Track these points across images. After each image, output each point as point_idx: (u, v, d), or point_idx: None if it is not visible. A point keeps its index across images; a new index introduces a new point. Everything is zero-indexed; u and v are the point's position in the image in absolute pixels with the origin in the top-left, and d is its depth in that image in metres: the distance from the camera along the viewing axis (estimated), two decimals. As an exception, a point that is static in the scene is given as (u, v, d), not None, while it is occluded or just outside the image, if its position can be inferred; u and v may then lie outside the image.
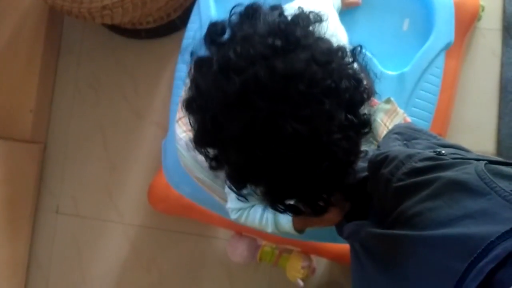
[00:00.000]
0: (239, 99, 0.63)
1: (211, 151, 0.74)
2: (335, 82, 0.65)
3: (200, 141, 0.73)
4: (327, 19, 0.73)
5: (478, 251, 0.45)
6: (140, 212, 1.82)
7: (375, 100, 1.07)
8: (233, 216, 1.07)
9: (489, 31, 1.67)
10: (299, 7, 0.73)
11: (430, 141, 0.76)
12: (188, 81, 0.74)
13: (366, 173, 0.76)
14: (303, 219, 0.96)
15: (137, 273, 1.83)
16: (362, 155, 0.73)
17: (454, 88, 1.42)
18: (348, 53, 0.72)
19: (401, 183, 0.63)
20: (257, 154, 0.65)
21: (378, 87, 0.91)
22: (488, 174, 0.54)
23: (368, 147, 0.77)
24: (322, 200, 0.75)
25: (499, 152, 1.62)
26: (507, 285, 0.42)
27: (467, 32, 1.42)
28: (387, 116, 1.05)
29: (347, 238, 0.75)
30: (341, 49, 0.71)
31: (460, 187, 0.55)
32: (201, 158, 0.78)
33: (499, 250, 0.44)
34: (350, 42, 1.08)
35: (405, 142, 0.78)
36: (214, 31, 0.71)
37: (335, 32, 0.75)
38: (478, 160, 0.59)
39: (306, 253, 1.55)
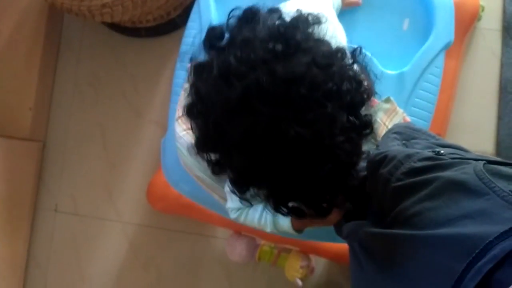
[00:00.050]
0: (241, 104, 0.63)
1: (213, 156, 0.74)
2: (337, 85, 0.65)
3: (203, 146, 0.73)
4: (326, 21, 0.73)
5: (477, 251, 0.45)
6: (139, 211, 1.82)
7: (374, 99, 1.07)
8: (233, 215, 1.07)
9: (489, 31, 1.66)
10: (297, 10, 0.73)
11: (429, 141, 0.76)
12: (187, 86, 0.74)
13: (365, 173, 0.76)
14: (302, 218, 0.96)
15: (135, 272, 1.83)
16: (364, 156, 0.73)
17: (454, 88, 1.42)
18: (348, 55, 0.72)
19: (400, 183, 0.63)
20: (260, 158, 0.65)
21: (378, 86, 0.91)
22: (487, 174, 0.54)
23: (367, 147, 0.77)
24: (325, 202, 0.75)
25: (498, 152, 1.62)
26: (505, 285, 0.42)
27: (467, 32, 1.42)
28: (386, 116, 1.05)
29: (346, 238, 0.75)
30: (340, 50, 0.70)
31: (459, 187, 0.55)
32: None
33: (498, 250, 0.44)
34: (350, 41, 1.08)
35: (404, 141, 0.77)
36: (213, 36, 0.71)
37: (334, 33, 0.75)
38: (477, 160, 0.59)
39: (305, 252, 1.55)
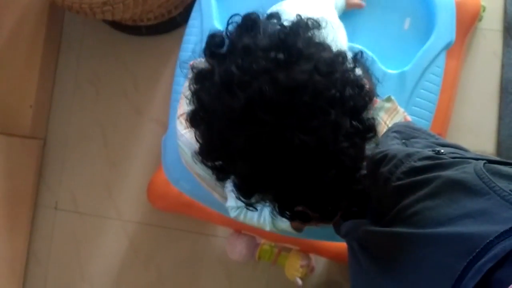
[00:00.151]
0: (245, 114, 0.63)
1: (217, 163, 0.74)
2: (339, 91, 0.65)
3: (207, 154, 0.73)
4: (326, 25, 0.73)
5: (477, 250, 0.45)
6: (139, 209, 1.82)
7: (375, 99, 1.07)
8: (232, 214, 1.07)
9: (490, 31, 1.66)
10: (297, 14, 0.73)
11: (429, 140, 0.76)
12: (187, 94, 0.73)
13: (364, 171, 0.76)
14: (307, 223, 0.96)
15: (135, 270, 1.83)
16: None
17: (455, 88, 1.42)
18: (349, 58, 0.72)
19: (400, 182, 0.63)
20: (265, 166, 0.65)
21: (379, 86, 0.91)
22: (487, 174, 0.54)
23: (367, 146, 0.77)
24: (331, 206, 0.75)
25: (499, 153, 1.62)
26: (506, 284, 0.42)
27: (468, 32, 1.42)
28: (387, 115, 1.05)
29: (345, 237, 0.75)
30: (341, 54, 0.70)
31: (459, 187, 0.54)
32: None
33: (498, 249, 0.44)
34: (351, 40, 1.09)
35: (403, 140, 0.77)
36: (213, 43, 0.71)
37: (335, 37, 0.75)
38: (477, 159, 0.59)
39: (305, 251, 1.55)
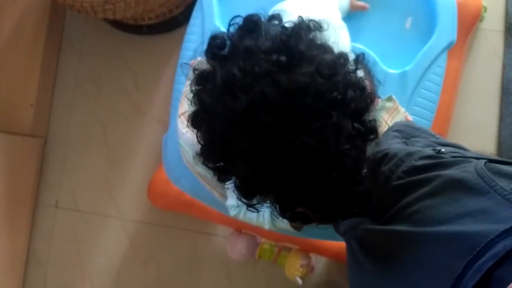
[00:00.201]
0: (247, 116, 0.63)
1: (218, 164, 0.74)
2: (341, 94, 0.65)
3: (208, 156, 0.73)
4: (328, 27, 0.73)
5: (478, 249, 0.45)
6: (139, 208, 1.82)
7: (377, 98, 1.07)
8: (232, 212, 1.08)
9: (491, 32, 1.66)
10: (299, 16, 0.73)
11: (429, 140, 0.76)
12: (188, 93, 0.73)
13: (365, 170, 0.76)
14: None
15: (135, 268, 1.83)
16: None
17: (456, 89, 1.42)
18: (351, 60, 0.71)
19: (401, 181, 0.63)
20: (266, 167, 0.65)
21: (380, 86, 0.91)
22: (488, 173, 0.54)
23: (368, 145, 0.77)
24: (332, 208, 0.75)
25: (499, 153, 1.62)
26: (506, 282, 0.42)
27: (469, 32, 1.42)
28: (388, 114, 1.04)
29: (343, 235, 0.75)
30: (343, 56, 0.70)
31: (460, 186, 0.54)
32: None
33: (498, 248, 0.44)
34: (353, 40, 1.08)
35: (404, 140, 0.77)
36: (215, 45, 0.71)
37: (337, 38, 0.74)
38: (478, 158, 0.59)
39: (305, 251, 1.55)
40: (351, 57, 0.72)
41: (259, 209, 1.00)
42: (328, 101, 0.63)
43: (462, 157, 0.63)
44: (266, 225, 1.03)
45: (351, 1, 1.21)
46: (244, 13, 0.73)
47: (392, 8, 1.27)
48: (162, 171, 1.42)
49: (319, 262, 1.66)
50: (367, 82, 0.74)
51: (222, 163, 0.72)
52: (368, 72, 0.82)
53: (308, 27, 0.70)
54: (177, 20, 1.76)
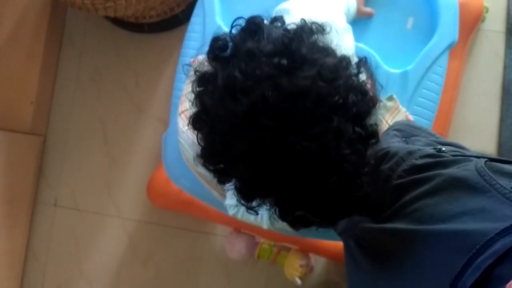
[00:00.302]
0: (248, 119, 0.63)
1: (219, 166, 0.74)
2: (342, 98, 0.64)
3: (208, 158, 0.73)
4: (331, 30, 0.72)
5: (477, 247, 0.46)
6: (138, 207, 1.82)
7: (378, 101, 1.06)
8: (231, 212, 1.07)
9: (493, 33, 1.66)
10: (301, 19, 0.72)
11: (429, 139, 0.76)
12: (188, 91, 0.73)
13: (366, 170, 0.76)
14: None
15: (134, 267, 1.82)
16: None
17: (457, 89, 1.42)
18: (353, 65, 0.71)
19: (401, 180, 0.63)
20: (266, 170, 0.65)
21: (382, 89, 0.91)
22: (488, 172, 0.54)
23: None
24: (332, 211, 0.75)
25: (500, 154, 1.62)
26: (505, 280, 0.42)
27: (470, 33, 1.42)
28: (389, 114, 1.04)
29: (341, 235, 0.74)
30: (345, 59, 0.70)
31: (460, 184, 0.54)
32: None
33: (498, 246, 0.44)
34: (355, 39, 1.08)
35: (404, 139, 0.77)
36: (217, 46, 0.70)
37: (339, 41, 0.74)
38: (478, 157, 0.59)
39: (304, 251, 1.55)
40: (354, 60, 0.72)
41: (258, 211, 1.01)
42: (329, 105, 0.63)
43: (462, 156, 0.63)
44: (265, 225, 1.03)
45: (358, 7, 1.21)
46: (245, 11, 0.73)
47: (394, 8, 1.27)
48: (162, 170, 1.42)
49: (318, 262, 1.66)
50: (369, 86, 0.73)
51: (222, 165, 0.72)
52: (371, 75, 0.82)
53: (311, 30, 0.70)
54: (178, 19, 1.76)
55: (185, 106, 1.17)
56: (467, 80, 1.62)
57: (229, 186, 0.77)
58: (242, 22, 0.71)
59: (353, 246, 0.67)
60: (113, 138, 1.86)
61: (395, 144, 0.74)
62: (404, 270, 0.53)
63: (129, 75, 1.86)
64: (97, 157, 1.87)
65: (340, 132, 0.63)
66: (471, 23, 1.39)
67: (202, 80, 0.71)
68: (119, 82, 1.87)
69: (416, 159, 0.64)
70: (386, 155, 0.69)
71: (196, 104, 0.71)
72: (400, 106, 1.06)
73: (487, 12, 1.61)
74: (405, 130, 0.80)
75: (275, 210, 0.73)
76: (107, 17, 1.80)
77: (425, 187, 0.57)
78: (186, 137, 1.14)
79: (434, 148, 0.66)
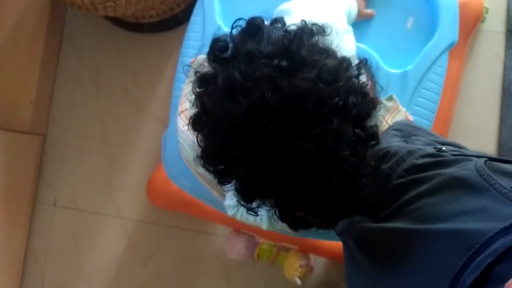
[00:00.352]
0: (247, 121, 0.63)
1: (219, 168, 0.74)
2: (342, 99, 0.64)
3: (208, 159, 0.73)
4: (331, 31, 0.72)
5: (477, 246, 0.46)
6: (138, 207, 1.82)
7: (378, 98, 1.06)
8: (230, 212, 1.07)
9: (493, 33, 1.66)
10: (302, 20, 0.72)
11: (429, 138, 0.76)
12: (188, 91, 0.73)
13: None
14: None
15: (134, 267, 1.82)
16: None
17: (457, 89, 1.42)
18: (354, 66, 0.71)
19: (401, 180, 0.63)
20: (266, 172, 0.65)
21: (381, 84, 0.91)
22: (488, 171, 0.54)
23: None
24: (332, 213, 0.75)
25: (500, 154, 1.62)
26: (505, 279, 0.42)
27: (470, 33, 1.42)
28: (389, 114, 1.04)
29: (340, 235, 0.74)
30: (346, 61, 0.70)
31: (460, 184, 0.55)
32: None
33: (498, 245, 0.45)
34: (355, 39, 1.08)
35: (403, 138, 0.77)
36: (217, 47, 0.70)
37: (340, 43, 0.74)
38: (478, 157, 0.59)
39: (304, 251, 1.55)
40: (355, 62, 0.72)
41: (258, 213, 1.01)
42: (329, 106, 0.63)
43: (462, 155, 0.63)
44: (264, 225, 1.03)
45: (359, 9, 1.21)
46: (245, 11, 0.73)
47: (394, 8, 1.27)
48: (162, 170, 1.42)
49: (318, 262, 1.66)
50: (369, 87, 0.73)
51: (222, 166, 0.72)
52: (371, 77, 0.81)
53: (311, 31, 0.70)
54: (178, 19, 1.76)
55: (185, 106, 1.17)
56: (467, 80, 1.62)
57: (229, 186, 0.77)
58: (242, 23, 0.71)
59: (352, 246, 0.67)
60: (113, 138, 1.86)
61: (395, 143, 0.74)
62: (403, 269, 0.53)
63: (129, 75, 1.86)
64: (97, 157, 1.86)
65: (340, 133, 0.63)
66: (471, 24, 1.39)
67: (202, 81, 0.71)
68: (119, 82, 1.87)
69: (416, 159, 0.64)
70: (386, 155, 0.69)
71: (196, 105, 0.71)
72: (400, 106, 1.06)
73: (487, 12, 1.61)
74: (405, 130, 0.80)
75: (275, 211, 0.73)
76: (107, 17, 1.80)
77: (425, 186, 0.57)
78: (185, 137, 1.14)
79: (434, 148, 0.66)
